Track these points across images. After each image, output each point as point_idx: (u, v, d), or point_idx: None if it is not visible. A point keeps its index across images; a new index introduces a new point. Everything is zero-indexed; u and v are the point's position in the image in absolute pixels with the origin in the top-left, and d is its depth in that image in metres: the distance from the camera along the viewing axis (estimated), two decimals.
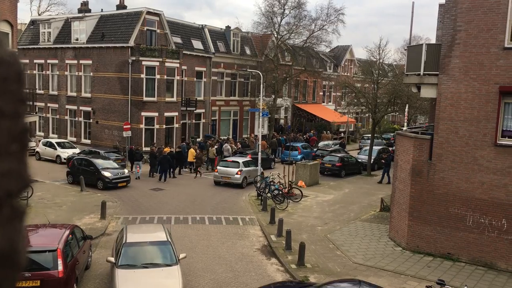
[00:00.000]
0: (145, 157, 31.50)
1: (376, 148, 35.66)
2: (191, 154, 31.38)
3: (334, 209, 23.50)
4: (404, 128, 25.34)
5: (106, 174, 25.34)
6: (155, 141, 33.50)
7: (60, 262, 11.28)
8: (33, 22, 42.68)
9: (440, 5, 17.82)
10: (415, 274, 15.16)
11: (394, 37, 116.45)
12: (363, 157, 35.50)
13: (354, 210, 23.42)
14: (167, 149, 31.01)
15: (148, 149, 32.63)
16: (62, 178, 27.77)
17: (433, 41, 19.16)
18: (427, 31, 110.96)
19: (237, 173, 27.21)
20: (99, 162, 26.62)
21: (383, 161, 31.51)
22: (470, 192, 15.96)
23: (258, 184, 25.04)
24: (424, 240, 17.05)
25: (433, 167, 16.68)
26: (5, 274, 0.52)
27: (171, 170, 29.74)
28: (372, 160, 34.00)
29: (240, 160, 28.65)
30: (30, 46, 40.60)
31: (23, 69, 0.55)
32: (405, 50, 26.37)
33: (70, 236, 12.78)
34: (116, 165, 27.06)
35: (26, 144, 0.55)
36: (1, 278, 0.51)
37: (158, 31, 36.00)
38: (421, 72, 17.13)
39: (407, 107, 35.27)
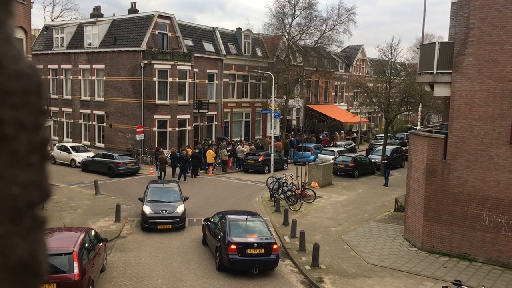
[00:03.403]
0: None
1: (389, 148, 35.40)
2: (210, 155, 31.73)
3: (348, 209, 23.38)
4: (418, 128, 25.13)
5: (146, 209, 18.94)
6: (167, 144, 33.80)
7: (76, 265, 11.38)
8: (46, 28, 43.22)
9: (453, 3, 17.66)
10: (431, 274, 15.02)
11: (407, 35, 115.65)
12: (376, 157, 35.27)
13: (368, 210, 23.28)
14: (189, 150, 31.35)
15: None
16: (77, 182, 28.03)
17: (446, 39, 19.00)
18: (440, 29, 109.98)
19: (332, 160, 33.70)
20: (153, 187, 20.53)
21: (385, 161, 30.77)
22: (486, 191, 15.77)
23: (271, 186, 25.02)
24: (439, 240, 16.89)
25: (447, 167, 16.52)
26: (27, 284, 0.53)
27: (192, 169, 30.53)
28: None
29: (335, 149, 36.94)
30: (44, 52, 41.10)
31: (42, 82, 0.56)
32: (417, 48, 26.19)
33: (86, 239, 12.90)
34: (175, 197, 19.93)
35: (46, 155, 0.56)
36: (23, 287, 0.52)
37: (170, 34, 36.21)
38: (434, 71, 16.98)
39: (420, 106, 34.96)
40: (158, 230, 18.74)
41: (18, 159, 0.52)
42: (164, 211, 18.93)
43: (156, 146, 33.69)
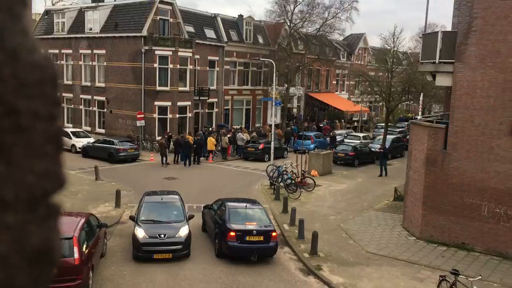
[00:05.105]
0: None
1: (390, 138, 35.39)
2: (211, 142, 31.78)
3: (347, 198, 23.47)
4: (419, 117, 25.09)
5: (138, 232, 14.50)
6: (168, 130, 33.83)
7: (76, 250, 11.46)
8: (47, 12, 42.95)
9: None
10: (429, 263, 15.13)
11: (411, 24, 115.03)
12: (376, 146, 35.28)
13: (368, 199, 23.36)
14: (190, 138, 31.36)
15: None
16: (78, 167, 28.09)
17: (449, 28, 18.88)
18: (443, 19, 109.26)
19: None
20: (149, 201, 16.09)
21: (381, 149, 30.35)
22: (486, 181, 15.81)
23: (271, 174, 25.08)
24: (438, 229, 16.98)
25: (447, 157, 16.55)
26: (42, 272, 0.54)
27: (196, 156, 30.78)
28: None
29: (360, 135, 39.91)
30: (45, 36, 40.80)
31: (57, 73, 0.57)
32: (420, 38, 26.06)
33: (86, 224, 12.97)
34: (177, 215, 15.46)
35: (61, 145, 0.57)
36: (38, 275, 0.54)
37: (171, 20, 35.99)
38: (437, 60, 16.93)
39: (421, 95, 34.89)
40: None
41: (34, 149, 0.53)
42: (162, 235, 14.50)
43: (165, 131, 33.66)
